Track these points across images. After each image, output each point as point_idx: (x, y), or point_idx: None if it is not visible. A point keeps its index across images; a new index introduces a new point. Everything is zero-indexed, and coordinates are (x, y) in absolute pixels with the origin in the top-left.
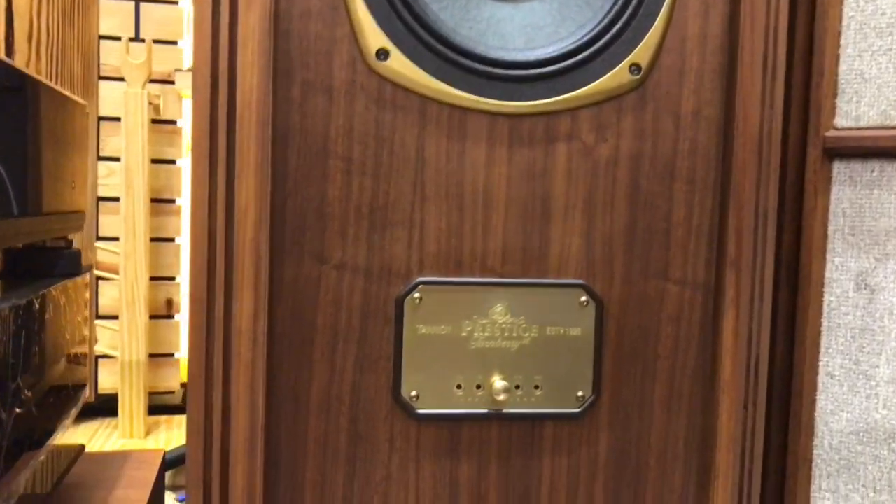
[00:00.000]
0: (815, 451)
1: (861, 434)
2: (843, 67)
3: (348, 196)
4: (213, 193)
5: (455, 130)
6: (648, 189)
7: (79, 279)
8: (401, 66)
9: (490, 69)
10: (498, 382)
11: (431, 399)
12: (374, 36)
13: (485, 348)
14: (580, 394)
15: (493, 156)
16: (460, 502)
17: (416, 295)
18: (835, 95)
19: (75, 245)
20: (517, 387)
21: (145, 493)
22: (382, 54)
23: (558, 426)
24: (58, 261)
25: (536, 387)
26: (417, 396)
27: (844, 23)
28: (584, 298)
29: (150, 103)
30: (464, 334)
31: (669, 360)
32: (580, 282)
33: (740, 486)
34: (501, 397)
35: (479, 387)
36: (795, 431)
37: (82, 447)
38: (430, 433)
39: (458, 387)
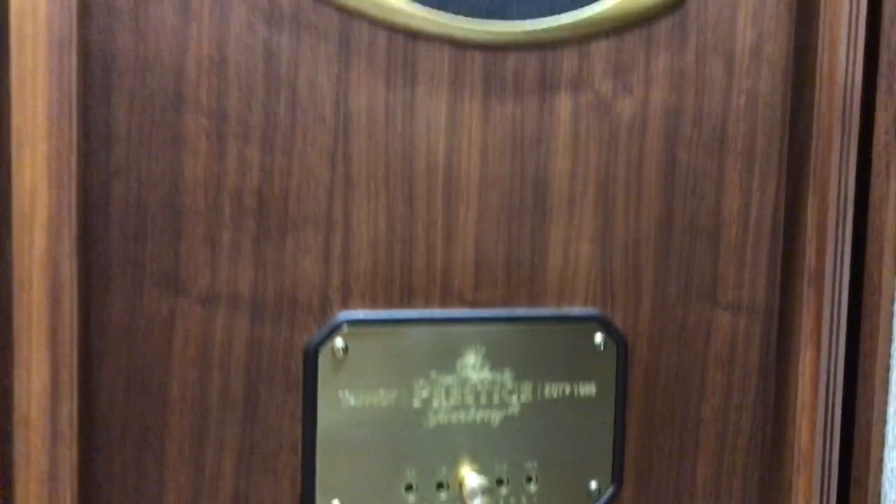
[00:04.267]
0: None
1: None
2: None
3: (221, 178)
4: None
5: (398, 69)
6: (690, 167)
7: None
8: None
9: None
10: (471, 478)
11: None
12: None
13: (449, 424)
14: (593, 486)
15: (460, 112)
16: None
17: (339, 342)
18: None
19: None
20: (500, 482)
21: None
22: None
23: None
24: None
25: (529, 479)
26: None
27: None
28: (599, 338)
29: None
30: (416, 404)
31: (718, 424)
32: (593, 312)
33: None
34: (477, 502)
35: (440, 486)
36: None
37: None
38: None
39: (409, 488)
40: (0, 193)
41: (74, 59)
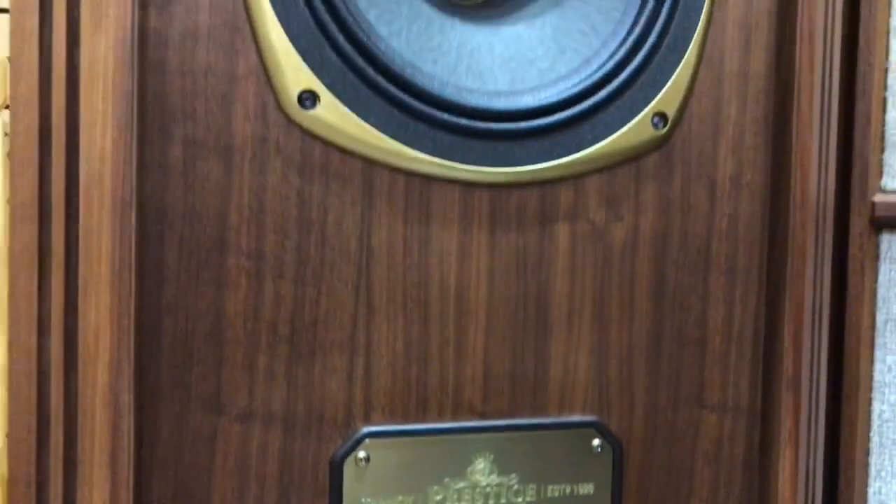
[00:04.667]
0: None
1: None
2: (891, 115)
3: (258, 310)
4: (45, 314)
5: (415, 208)
6: (677, 283)
7: None
8: (335, 115)
9: (463, 121)
10: None
11: None
12: (295, 72)
13: None
14: None
15: (469, 243)
16: None
17: (362, 454)
18: (882, 150)
19: None
20: None
21: None
22: (308, 99)
23: None
24: None
25: None
26: None
27: (892, 58)
28: (596, 442)
29: (4, 134)
30: None
31: None
32: (591, 419)
33: None
34: None
35: None
36: None
37: None
38: None
39: None
40: (68, 333)
41: (133, 216)
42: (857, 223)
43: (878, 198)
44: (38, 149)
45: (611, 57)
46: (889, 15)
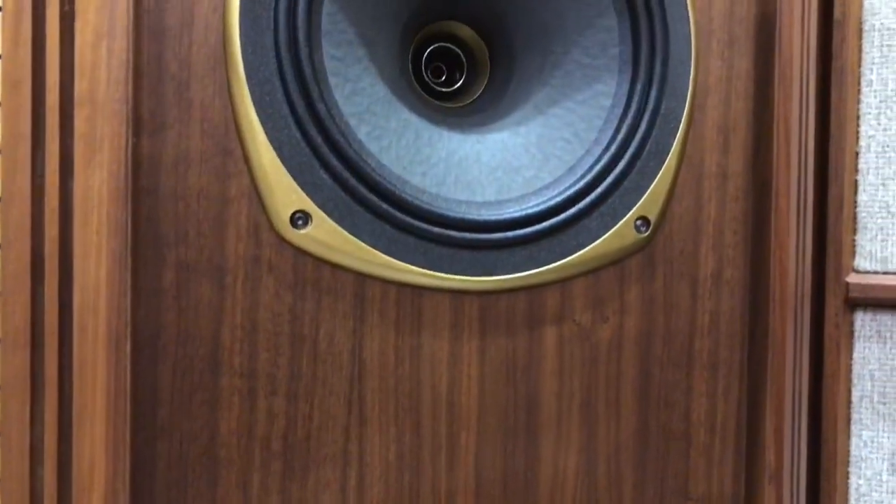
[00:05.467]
0: None
1: None
2: (863, 197)
3: (251, 428)
4: (37, 442)
5: (406, 319)
6: (662, 380)
7: None
8: (327, 233)
9: (453, 234)
10: None
11: None
12: (287, 193)
13: None
14: None
15: (460, 350)
16: None
17: None
18: (854, 231)
19: None
20: None
21: None
22: (300, 219)
23: None
24: None
25: None
26: None
27: (863, 143)
28: None
29: None
30: None
31: None
32: None
33: None
34: None
35: None
36: None
37: None
38: None
39: None
40: (61, 462)
41: (129, 346)
42: (832, 303)
43: (852, 278)
44: (31, 277)
45: (594, 165)
46: (858, 101)
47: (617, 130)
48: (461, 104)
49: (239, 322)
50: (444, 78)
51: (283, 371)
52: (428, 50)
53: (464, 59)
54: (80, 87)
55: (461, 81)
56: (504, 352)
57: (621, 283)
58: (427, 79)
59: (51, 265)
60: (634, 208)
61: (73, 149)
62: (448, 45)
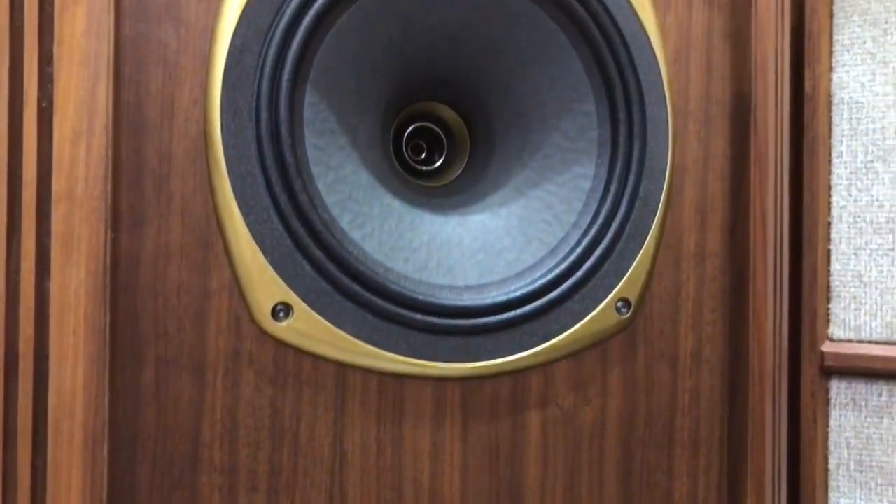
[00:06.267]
0: None
1: None
2: (836, 267)
3: None
4: None
5: (388, 408)
6: (644, 461)
7: None
8: (308, 325)
9: (435, 320)
10: None
11: None
12: (268, 285)
13: None
14: None
15: (442, 439)
16: None
17: None
18: (828, 300)
19: None
20: None
21: None
22: (282, 311)
23: None
24: None
25: None
26: None
27: (835, 213)
28: None
29: None
30: None
31: None
32: None
33: None
34: None
35: None
36: None
37: None
38: None
39: None
40: None
41: (106, 448)
42: (808, 371)
43: (827, 346)
44: (4, 377)
45: (575, 247)
46: (830, 172)
47: (597, 213)
48: (442, 183)
49: (219, 417)
50: (424, 156)
51: (264, 466)
52: (409, 129)
53: (444, 139)
54: (57, 184)
55: (442, 160)
56: (487, 438)
57: (603, 364)
58: (408, 157)
59: (25, 365)
60: (615, 290)
61: (49, 247)
62: (429, 124)
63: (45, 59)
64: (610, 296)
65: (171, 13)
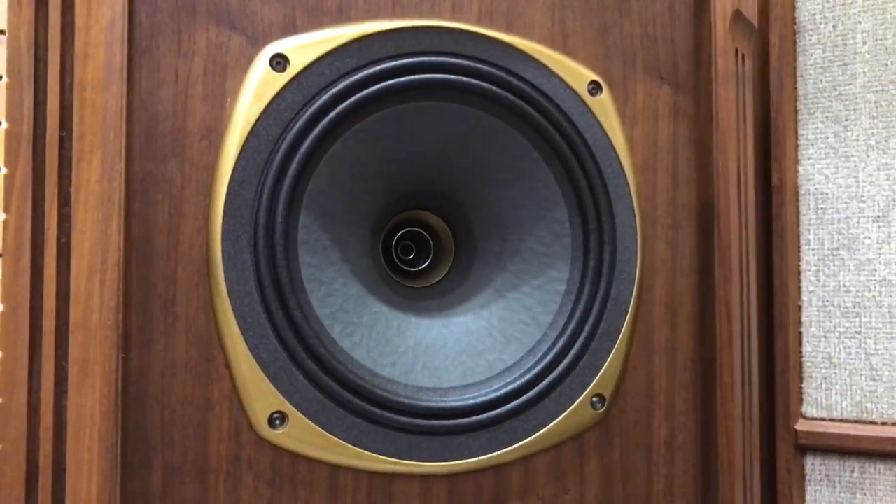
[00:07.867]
0: None
1: None
2: (807, 348)
3: None
4: None
5: None
6: None
7: None
8: (302, 431)
9: (420, 422)
10: None
11: None
12: (265, 396)
13: None
14: None
15: None
16: None
17: None
18: (801, 380)
19: None
20: None
21: None
22: (278, 419)
23: None
24: None
25: None
26: None
27: (805, 298)
28: None
29: None
30: None
31: None
32: None
33: None
34: None
35: None
36: None
37: None
38: None
39: None
40: None
41: None
42: (784, 449)
43: (801, 425)
44: (25, 487)
45: (551, 348)
46: (799, 258)
47: (571, 314)
48: (428, 284)
49: None
50: (412, 256)
51: None
52: (398, 235)
53: (430, 241)
54: (74, 314)
55: (428, 261)
56: None
57: (580, 455)
58: (396, 259)
59: (44, 478)
60: (590, 387)
61: (67, 370)
62: (417, 229)
63: (64, 201)
64: (585, 392)
65: (177, 152)
